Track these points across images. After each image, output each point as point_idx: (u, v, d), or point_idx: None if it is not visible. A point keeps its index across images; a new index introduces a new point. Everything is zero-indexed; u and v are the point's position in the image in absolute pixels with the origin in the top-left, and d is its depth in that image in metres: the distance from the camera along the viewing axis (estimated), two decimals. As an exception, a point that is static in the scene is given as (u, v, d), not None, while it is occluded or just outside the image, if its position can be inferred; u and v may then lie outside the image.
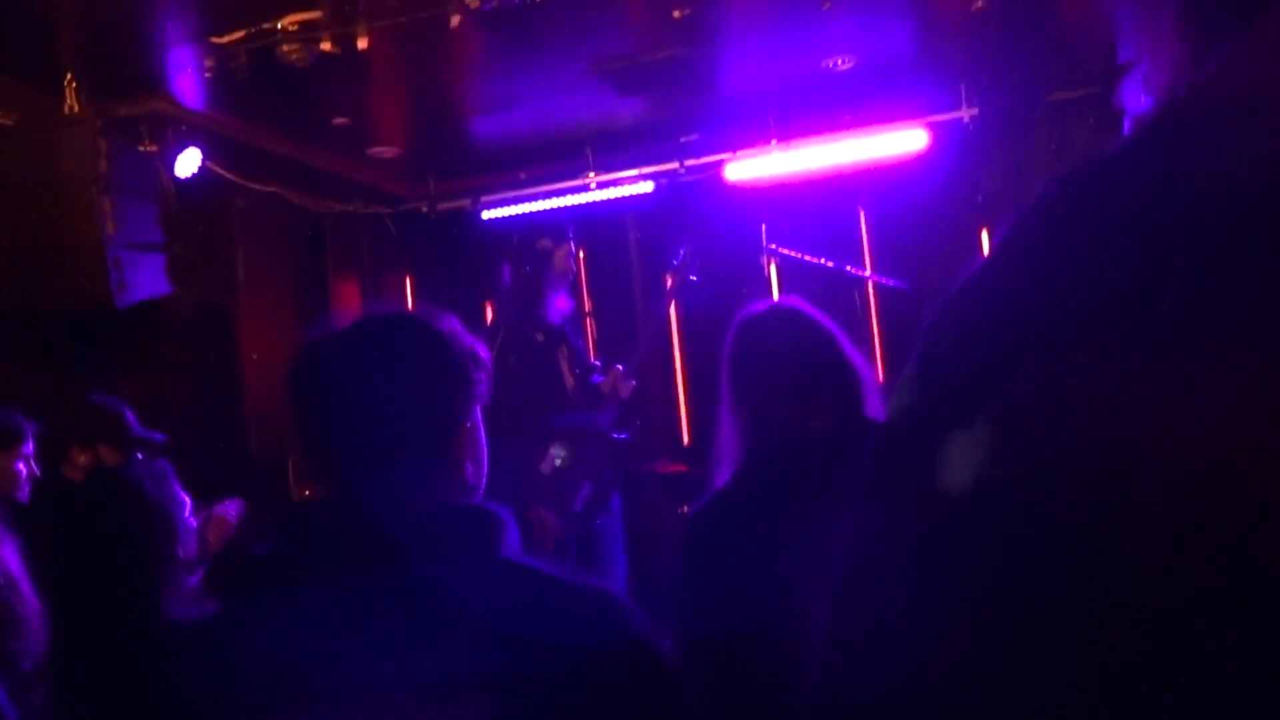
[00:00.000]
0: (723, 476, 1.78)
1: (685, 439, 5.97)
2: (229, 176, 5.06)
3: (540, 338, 4.12)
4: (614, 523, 4.16)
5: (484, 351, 1.22)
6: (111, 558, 2.03)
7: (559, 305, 4.16)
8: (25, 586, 2.44)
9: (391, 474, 1.13)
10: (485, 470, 1.21)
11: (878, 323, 5.55)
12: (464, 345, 1.19)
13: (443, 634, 1.00)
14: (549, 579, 1.09)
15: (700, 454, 5.53)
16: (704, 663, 1.65)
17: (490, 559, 1.07)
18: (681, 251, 4.40)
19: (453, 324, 1.21)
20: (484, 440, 1.22)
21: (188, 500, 2.13)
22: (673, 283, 4.38)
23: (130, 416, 3.45)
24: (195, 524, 2.14)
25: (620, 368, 4.16)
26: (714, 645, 1.63)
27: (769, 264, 5.21)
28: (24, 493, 2.71)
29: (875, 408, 1.75)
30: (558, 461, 3.95)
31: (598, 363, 4.34)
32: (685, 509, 4.77)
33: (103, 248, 3.60)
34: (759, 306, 1.92)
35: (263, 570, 1.10)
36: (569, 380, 4.16)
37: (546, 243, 4.05)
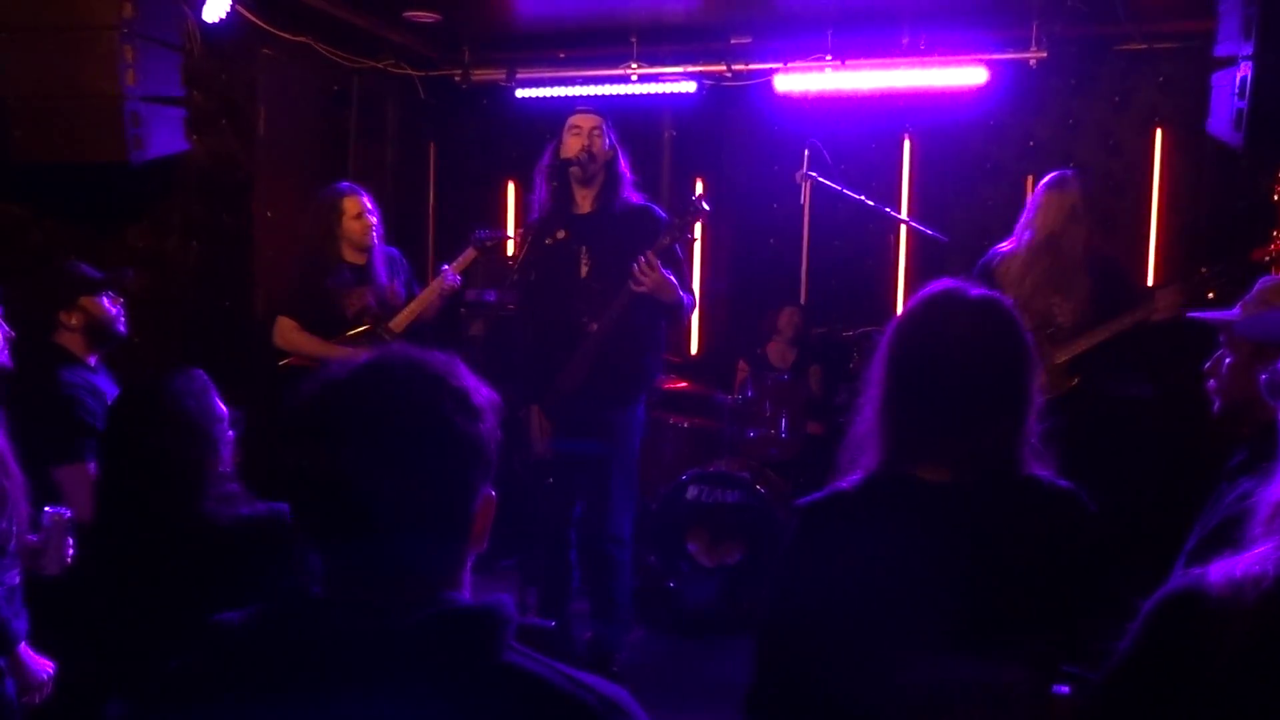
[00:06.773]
0: (853, 474, 1.64)
1: (693, 350, 5.91)
2: (258, 22, 4.84)
3: (562, 234, 3.91)
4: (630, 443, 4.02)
5: (493, 394, 1.10)
6: (152, 479, 2.03)
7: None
8: (12, 464, 2.39)
9: (397, 567, 1.02)
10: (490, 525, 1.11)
11: (906, 270, 5.40)
12: (487, 399, 1.07)
13: None
14: (551, 689, 0.98)
15: (705, 368, 5.48)
16: (780, 649, 1.64)
17: (489, 665, 0.97)
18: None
19: (462, 371, 1.08)
20: (495, 499, 1.11)
21: (226, 412, 2.10)
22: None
23: (84, 265, 3.27)
24: (233, 435, 2.12)
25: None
26: (791, 637, 1.61)
27: (805, 186, 5.06)
28: (3, 357, 2.65)
29: (1029, 449, 1.58)
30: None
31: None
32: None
33: (121, 100, 3.44)
34: (944, 297, 1.62)
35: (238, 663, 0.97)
36: (584, 271, 3.94)
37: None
